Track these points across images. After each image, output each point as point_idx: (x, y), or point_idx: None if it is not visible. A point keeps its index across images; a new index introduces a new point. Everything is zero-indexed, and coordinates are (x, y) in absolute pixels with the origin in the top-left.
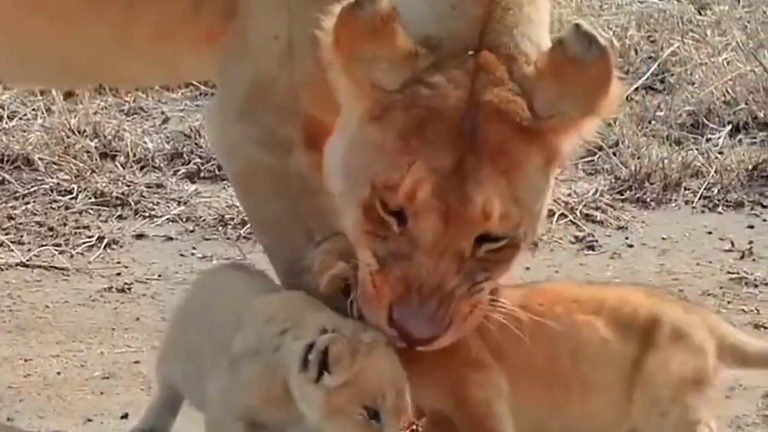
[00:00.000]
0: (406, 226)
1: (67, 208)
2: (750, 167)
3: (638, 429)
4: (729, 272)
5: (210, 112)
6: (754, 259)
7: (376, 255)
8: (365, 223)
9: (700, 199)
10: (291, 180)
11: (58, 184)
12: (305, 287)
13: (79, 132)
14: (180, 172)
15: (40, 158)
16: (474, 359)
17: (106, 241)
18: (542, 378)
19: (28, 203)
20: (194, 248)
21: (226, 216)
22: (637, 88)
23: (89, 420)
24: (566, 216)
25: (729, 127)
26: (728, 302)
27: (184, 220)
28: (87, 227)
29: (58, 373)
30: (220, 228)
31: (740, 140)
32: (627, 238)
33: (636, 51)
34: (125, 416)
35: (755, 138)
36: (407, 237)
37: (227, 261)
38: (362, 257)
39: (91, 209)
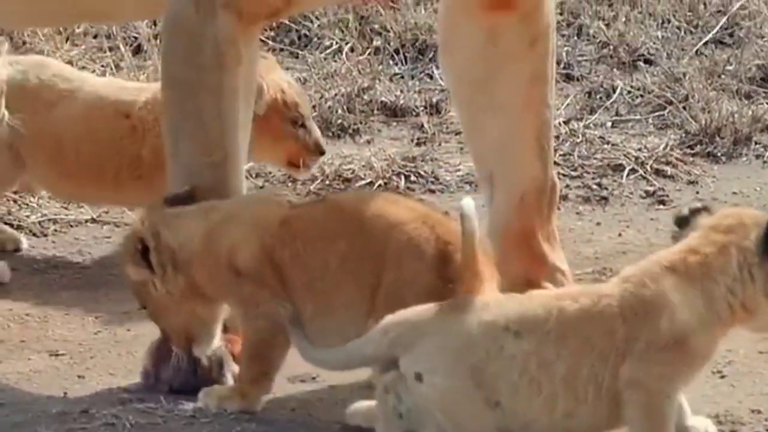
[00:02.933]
0: None
1: None
2: None
3: None
4: None
5: None
6: None
7: None
8: None
9: None
10: (205, 46)
11: None
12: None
13: None
14: None
15: None
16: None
17: None
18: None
19: None
20: None
21: None
22: (706, 43)
23: None
24: (636, 171)
25: None
26: None
27: None
28: None
29: (128, 330)
30: None
31: None
32: (697, 193)
33: (705, 5)
34: None
35: None
36: None
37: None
38: None
39: None
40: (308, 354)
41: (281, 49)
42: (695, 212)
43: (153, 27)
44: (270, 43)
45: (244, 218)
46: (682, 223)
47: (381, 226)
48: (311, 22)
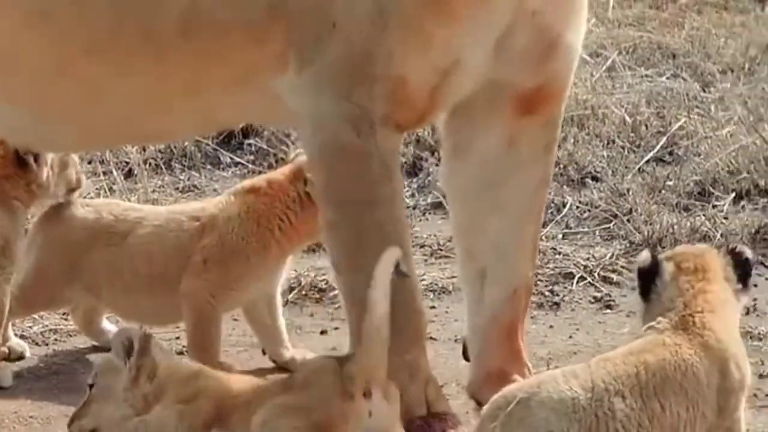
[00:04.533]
0: None
1: None
2: (753, 231)
3: None
4: None
5: (299, 89)
6: (757, 315)
7: None
8: None
9: None
10: (373, 163)
11: None
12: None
13: None
14: None
15: None
16: None
17: None
18: None
19: None
20: None
21: None
22: (648, 161)
23: None
24: (585, 278)
25: (733, 195)
26: None
27: None
28: None
29: None
30: None
31: (743, 206)
32: None
33: (646, 126)
34: None
35: (757, 204)
36: None
37: None
38: None
39: None
40: None
41: (260, 171)
42: (655, 261)
43: (143, 152)
44: (250, 166)
45: (202, 388)
46: (648, 274)
47: None
48: (288, 137)
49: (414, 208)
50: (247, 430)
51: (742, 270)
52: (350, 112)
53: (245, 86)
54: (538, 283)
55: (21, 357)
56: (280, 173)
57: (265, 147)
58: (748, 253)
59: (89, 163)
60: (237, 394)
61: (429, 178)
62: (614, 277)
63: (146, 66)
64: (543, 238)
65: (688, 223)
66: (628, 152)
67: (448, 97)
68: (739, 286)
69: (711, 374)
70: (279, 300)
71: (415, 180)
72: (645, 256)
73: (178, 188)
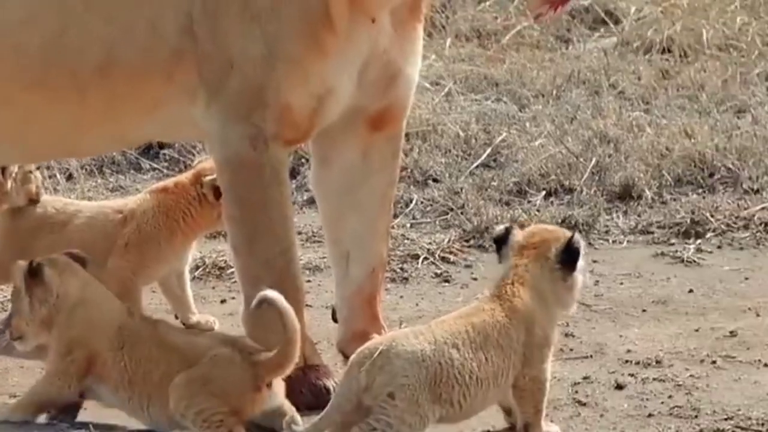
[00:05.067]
0: None
1: None
2: (560, 221)
3: None
4: None
5: (208, 115)
6: None
7: None
8: None
9: None
10: (266, 172)
11: None
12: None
13: None
14: None
15: None
16: None
17: None
18: None
19: None
20: None
21: None
22: (477, 166)
23: None
24: (428, 258)
25: (544, 193)
26: None
27: None
28: None
29: None
30: None
31: (552, 202)
32: (472, 274)
33: (475, 139)
34: None
35: (563, 200)
36: None
37: None
38: None
39: None
40: None
41: (173, 175)
42: (506, 232)
43: (80, 160)
44: (165, 171)
45: (90, 313)
46: (499, 242)
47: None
48: (194, 148)
49: (293, 204)
50: (117, 384)
51: (566, 253)
52: (248, 132)
53: (155, 114)
54: (391, 262)
55: None
56: (184, 177)
57: (176, 156)
58: (580, 243)
59: (37, 168)
60: (112, 344)
61: (305, 180)
62: (451, 257)
63: (71, 99)
64: (394, 226)
65: (509, 215)
66: (461, 159)
67: (324, 118)
68: (557, 266)
69: (519, 332)
70: (187, 275)
71: (294, 181)
72: (501, 227)
73: (108, 188)
